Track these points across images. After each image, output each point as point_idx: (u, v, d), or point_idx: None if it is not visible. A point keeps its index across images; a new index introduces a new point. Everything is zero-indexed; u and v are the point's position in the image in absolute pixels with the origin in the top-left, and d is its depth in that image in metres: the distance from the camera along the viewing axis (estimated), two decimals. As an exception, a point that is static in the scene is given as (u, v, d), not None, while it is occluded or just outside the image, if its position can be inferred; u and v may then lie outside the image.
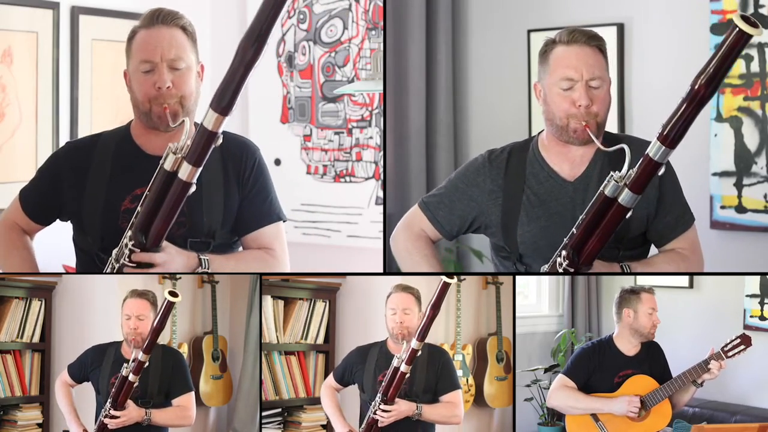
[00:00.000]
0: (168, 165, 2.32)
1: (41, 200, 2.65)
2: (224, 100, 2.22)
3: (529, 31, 4.42)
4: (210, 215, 2.52)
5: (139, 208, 2.37)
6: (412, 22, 4.50)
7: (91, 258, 2.57)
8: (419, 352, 2.60)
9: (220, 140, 2.28)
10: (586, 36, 2.48)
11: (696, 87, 2.15)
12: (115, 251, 2.43)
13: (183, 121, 2.37)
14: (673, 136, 2.19)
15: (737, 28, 2.07)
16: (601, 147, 2.40)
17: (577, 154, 2.53)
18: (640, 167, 2.26)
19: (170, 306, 2.57)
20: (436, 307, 2.55)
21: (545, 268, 2.44)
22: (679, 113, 2.18)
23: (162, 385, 2.75)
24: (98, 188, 2.53)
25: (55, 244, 2.84)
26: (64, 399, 2.85)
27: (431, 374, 2.71)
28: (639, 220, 2.50)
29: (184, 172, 2.30)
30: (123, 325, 2.75)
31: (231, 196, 2.56)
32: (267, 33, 2.17)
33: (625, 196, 2.29)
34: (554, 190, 2.53)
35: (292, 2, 4.58)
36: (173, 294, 2.55)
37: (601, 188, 2.32)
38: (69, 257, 2.77)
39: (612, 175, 2.29)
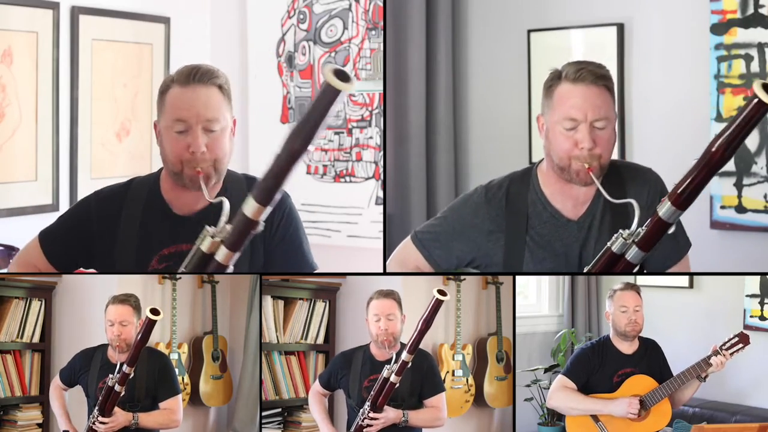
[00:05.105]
0: (205, 247, 2.26)
1: (67, 248, 2.59)
2: (265, 192, 2.14)
3: (529, 31, 4.42)
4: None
5: None
6: (412, 22, 4.49)
7: None
8: (409, 364, 2.61)
9: (261, 228, 2.20)
10: (593, 75, 2.38)
11: (713, 150, 2.11)
12: None
13: (222, 200, 2.28)
14: (684, 198, 2.15)
15: (757, 99, 2.00)
16: (607, 197, 2.32)
17: (581, 192, 2.46)
18: (649, 227, 2.21)
19: (151, 324, 2.53)
20: (427, 323, 2.55)
21: None
22: (692, 176, 2.13)
23: (149, 388, 2.75)
24: (128, 245, 2.50)
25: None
26: (56, 401, 2.87)
27: (416, 378, 2.72)
28: None
29: (221, 255, 2.25)
30: (107, 331, 2.75)
31: (256, 249, 2.50)
32: (315, 130, 2.04)
33: (632, 253, 2.25)
34: (558, 230, 2.47)
35: (292, 2, 4.58)
36: (154, 312, 2.51)
37: (608, 244, 2.27)
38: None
39: (621, 233, 2.24)
